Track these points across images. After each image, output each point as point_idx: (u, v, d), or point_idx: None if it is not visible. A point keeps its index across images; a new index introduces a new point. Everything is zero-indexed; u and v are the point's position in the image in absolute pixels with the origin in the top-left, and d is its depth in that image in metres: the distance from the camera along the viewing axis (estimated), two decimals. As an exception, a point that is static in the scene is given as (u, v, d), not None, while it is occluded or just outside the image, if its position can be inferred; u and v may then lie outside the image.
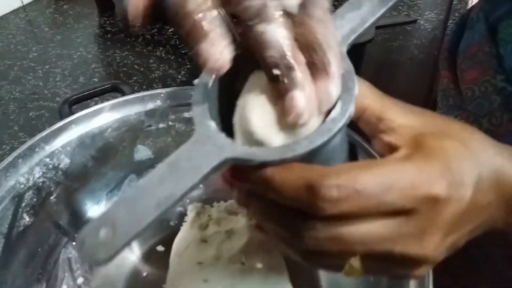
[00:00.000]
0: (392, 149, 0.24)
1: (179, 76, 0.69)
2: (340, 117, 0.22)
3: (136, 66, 0.71)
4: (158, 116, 0.48)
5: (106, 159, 0.46)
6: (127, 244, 0.20)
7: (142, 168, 0.48)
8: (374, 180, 0.22)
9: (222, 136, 0.22)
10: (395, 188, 0.22)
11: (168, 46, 0.75)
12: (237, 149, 0.22)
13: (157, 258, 0.44)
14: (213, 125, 0.23)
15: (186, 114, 0.48)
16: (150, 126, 0.48)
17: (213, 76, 0.24)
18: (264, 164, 0.22)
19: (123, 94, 0.50)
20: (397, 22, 0.81)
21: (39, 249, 0.41)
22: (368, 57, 0.71)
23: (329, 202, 0.21)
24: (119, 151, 0.47)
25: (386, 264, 0.24)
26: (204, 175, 0.21)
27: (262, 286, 0.35)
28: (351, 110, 0.22)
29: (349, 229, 0.22)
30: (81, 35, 0.79)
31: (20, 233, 0.40)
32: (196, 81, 0.24)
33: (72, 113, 0.47)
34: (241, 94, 0.24)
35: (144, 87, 0.66)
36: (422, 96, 0.71)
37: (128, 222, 0.20)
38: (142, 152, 0.48)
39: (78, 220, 0.45)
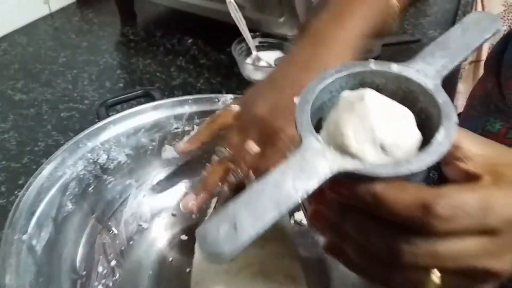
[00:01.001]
0: (468, 175, 0.26)
1: (198, 84, 0.74)
2: (446, 141, 0.24)
3: (158, 74, 0.77)
4: (185, 120, 0.53)
5: (138, 157, 0.52)
6: (251, 240, 0.21)
7: (168, 166, 0.54)
8: (478, 203, 0.24)
9: (330, 150, 0.24)
10: (491, 210, 0.24)
11: (187, 56, 0.81)
12: (347, 162, 0.23)
13: (181, 245, 0.49)
14: (320, 139, 0.24)
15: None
16: (177, 128, 0.53)
17: (313, 98, 0.26)
18: (373, 179, 0.23)
19: (153, 99, 0.55)
20: (402, 40, 0.87)
21: (79, 234, 0.46)
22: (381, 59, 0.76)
23: (441, 220, 0.23)
24: (149, 150, 0.53)
25: (463, 279, 0.26)
26: (318, 184, 0.23)
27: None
28: (453, 136, 0.24)
29: (446, 246, 0.24)
30: (105, 43, 0.85)
31: (64, 218, 0.45)
32: (296, 99, 0.26)
33: (108, 115, 0.52)
34: (330, 112, 0.26)
35: (166, 93, 0.71)
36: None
37: (249, 220, 0.22)
38: (169, 152, 0.54)
39: (111, 210, 0.50)
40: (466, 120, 0.58)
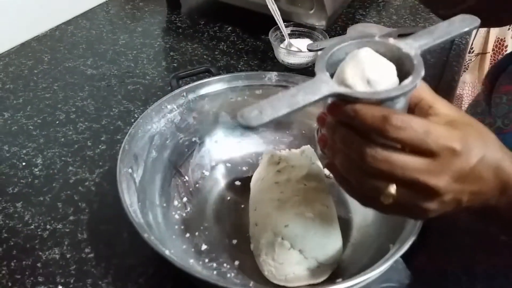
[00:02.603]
0: None
1: (239, 66, 0.87)
2: (410, 84, 0.33)
3: (205, 56, 0.89)
4: (238, 91, 0.66)
5: (202, 119, 0.65)
6: (269, 121, 0.31)
7: (224, 128, 0.67)
8: (422, 124, 0.33)
9: (332, 81, 0.34)
10: (432, 134, 0.32)
11: (228, 42, 0.94)
12: (341, 88, 0.34)
13: (236, 189, 0.63)
14: (327, 74, 0.35)
15: (257, 92, 0.67)
16: (231, 98, 0.66)
17: (330, 52, 0.37)
18: (356, 100, 0.33)
19: (213, 74, 0.68)
20: (414, 31, 0.99)
21: (160, 175, 0.60)
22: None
23: (393, 128, 0.32)
24: (210, 115, 0.66)
25: (412, 192, 0.34)
26: (318, 98, 0.33)
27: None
28: (417, 81, 0.33)
29: (397, 156, 0.33)
30: (157, 28, 0.98)
31: (151, 163, 0.58)
32: (319, 53, 0.38)
33: (179, 86, 0.65)
34: (343, 62, 0.36)
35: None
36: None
37: (270, 111, 0.31)
38: (224, 117, 0.67)
39: (181, 160, 0.63)
40: None
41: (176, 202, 0.59)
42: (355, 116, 0.33)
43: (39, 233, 0.58)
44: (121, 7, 1.05)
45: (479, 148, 0.34)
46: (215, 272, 0.52)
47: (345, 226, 0.56)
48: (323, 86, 0.33)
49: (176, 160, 0.62)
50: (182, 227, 0.57)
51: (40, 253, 0.56)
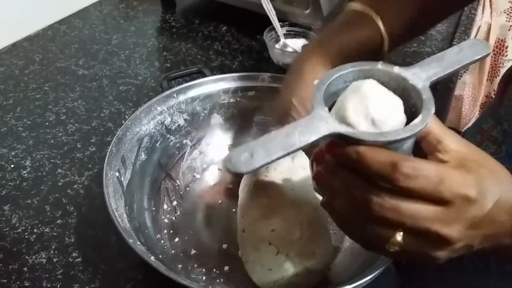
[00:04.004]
0: (440, 162, 0.32)
1: (234, 66, 0.86)
2: (420, 124, 0.30)
3: (198, 56, 0.88)
4: (231, 93, 0.65)
5: (193, 121, 0.64)
6: (261, 166, 0.29)
7: (216, 130, 0.66)
8: (435, 172, 0.30)
9: (332, 118, 0.31)
10: (446, 182, 0.30)
11: (223, 42, 0.93)
12: (342, 127, 0.30)
13: (228, 192, 0.62)
14: (326, 109, 0.31)
15: (250, 93, 0.66)
16: (224, 100, 0.65)
17: (328, 82, 0.33)
18: (359, 142, 0.30)
19: (205, 75, 0.67)
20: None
21: (149, 178, 0.59)
22: (387, 60, 0.86)
23: (404, 177, 0.29)
24: (201, 116, 0.65)
25: (421, 240, 0.31)
26: (317, 138, 0.30)
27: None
28: (428, 121, 0.30)
29: (407, 204, 0.30)
30: (150, 28, 0.97)
31: (139, 165, 0.57)
32: (315, 81, 0.34)
33: (170, 87, 0.64)
34: (342, 94, 0.33)
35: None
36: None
37: (262, 154, 0.29)
38: (216, 119, 0.66)
39: (172, 163, 0.62)
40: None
41: (165, 206, 0.58)
42: (358, 160, 0.30)
43: (26, 236, 0.57)
44: (115, 6, 1.04)
45: (494, 192, 0.32)
46: (204, 277, 0.51)
47: (338, 231, 0.55)
48: (322, 125, 0.30)
49: (166, 163, 0.61)
50: (171, 231, 0.56)
51: (27, 257, 0.54)
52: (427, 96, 0.32)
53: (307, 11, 0.88)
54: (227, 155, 0.29)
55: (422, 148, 0.34)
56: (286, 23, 0.89)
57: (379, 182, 0.31)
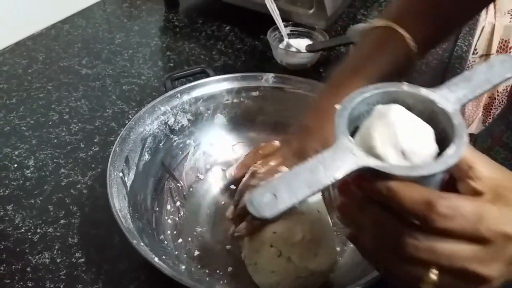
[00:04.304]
0: (474, 193, 0.30)
1: (237, 66, 0.86)
2: (454, 156, 0.28)
3: (202, 56, 0.88)
4: (234, 93, 0.65)
5: (196, 121, 0.64)
6: (286, 208, 0.26)
7: (219, 130, 0.66)
8: (473, 210, 0.28)
9: (359, 150, 0.28)
10: (484, 220, 0.28)
11: (226, 41, 0.92)
12: (371, 160, 0.28)
13: (231, 193, 0.61)
14: (351, 139, 0.29)
15: (253, 93, 0.66)
16: (228, 100, 0.65)
17: (350, 107, 0.31)
18: (390, 176, 0.28)
19: (208, 76, 0.67)
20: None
21: (153, 179, 0.58)
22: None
23: (440, 217, 0.27)
24: (205, 116, 0.64)
25: (457, 280, 0.29)
26: (345, 174, 0.28)
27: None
28: (462, 152, 0.28)
29: (443, 244, 0.28)
30: (154, 27, 0.97)
31: (143, 165, 0.57)
32: (337, 106, 0.31)
33: (174, 87, 0.64)
34: (366, 120, 0.31)
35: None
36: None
37: (287, 194, 0.26)
38: (220, 119, 0.66)
39: (175, 163, 0.62)
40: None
41: (169, 207, 0.58)
42: (390, 196, 0.28)
43: (30, 236, 0.57)
44: (118, 5, 1.03)
45: None
46: (207, 278, 0.51)
47: (342, 233, 0.55)
48: (348, 158, 0.28)
49: (170, 163, 0.61)
50: (175, 232, 0.56)
51: (30, 257, 0.54)
52: (458, 122, 0.30)
53: (311, 11, 0.88)
54: (248, 197, 0.27)
55: (454, 175, 0.32)
56: (290, 23, 0.88)
57: (410, 218, 0.29)
